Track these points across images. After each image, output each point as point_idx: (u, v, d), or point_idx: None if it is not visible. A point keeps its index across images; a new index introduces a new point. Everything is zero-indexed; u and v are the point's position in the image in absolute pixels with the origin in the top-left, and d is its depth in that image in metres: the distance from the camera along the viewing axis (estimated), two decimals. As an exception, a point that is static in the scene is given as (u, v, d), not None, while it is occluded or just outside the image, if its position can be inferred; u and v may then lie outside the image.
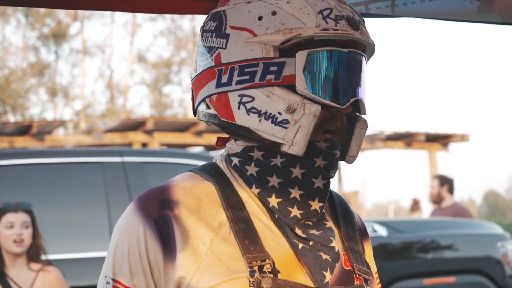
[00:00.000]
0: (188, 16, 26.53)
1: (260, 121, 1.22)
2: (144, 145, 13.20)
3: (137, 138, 13.20)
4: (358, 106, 1.29)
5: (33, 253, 3.81)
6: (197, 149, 13.90)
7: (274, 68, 1.21)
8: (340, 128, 1.28)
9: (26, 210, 3.84)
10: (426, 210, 9.52)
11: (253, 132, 1.24)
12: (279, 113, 1.21)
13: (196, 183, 1.28)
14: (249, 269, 1.19)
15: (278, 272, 1.22)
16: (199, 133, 13.43)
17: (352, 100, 1.25)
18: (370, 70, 1.33)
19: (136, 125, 13.27)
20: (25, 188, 4.60)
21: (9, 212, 3.79)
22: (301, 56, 1.21)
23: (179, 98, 30.00)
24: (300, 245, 1.25)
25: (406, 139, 15.40)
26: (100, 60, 33.82)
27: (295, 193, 1.26)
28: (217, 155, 1.38)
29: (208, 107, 1.28)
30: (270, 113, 1.22)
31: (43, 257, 3.85)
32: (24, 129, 12.45)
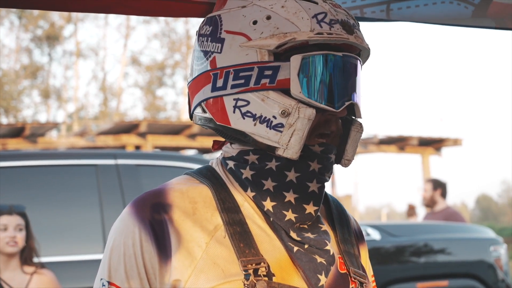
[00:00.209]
0: (182, 19, 26.55)
1: (255, 125, 1.23)
2: (138, 147, 13.18)
3: (130, 140, 13.18)
4: (353, 110, 1.30)
5: (27, 256, 3.79)
6: (191, 152, 13.90)
7: (269, 72, 1.22)
8: (335, 132, 1.28)
9: (19, 213, 3.82)
10: (421, 214, 9.53)
11: (248, 136, 1.24)
12: (274, 117, 1.22)
13: (191, 186, 1.28)
14: (244, 272, 1.19)
15: (273, 275, 1.22)
16: (192, 136, 13.43)
17: (347, 103, 1.25)
18: (364, 74, 1.33)
19: (130, 128, 13.25)
20: (18, 191, 4.58)
21: (2, 215, 3.78)
22: (295, 60, 1.21)
23: (173, 101, 30.03)
24: (295, 249, 1.25)
25: (399, 143, 15.44)
26: (94, 62, 33.82)
27: (290, 196, 1.26)
28: (213, 159, 1.38)
29: (204, 111, 1.29)
30: (265, 117, 1.22)
31: (36, 259, 3.84)
32: (17, 131, 12.41)
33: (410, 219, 10.01)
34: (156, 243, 1.21)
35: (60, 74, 33.31)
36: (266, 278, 1.20)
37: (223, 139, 1.35)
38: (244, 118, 1.23)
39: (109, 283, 1.24)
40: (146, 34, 41.37)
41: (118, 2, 1.53)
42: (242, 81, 1.23)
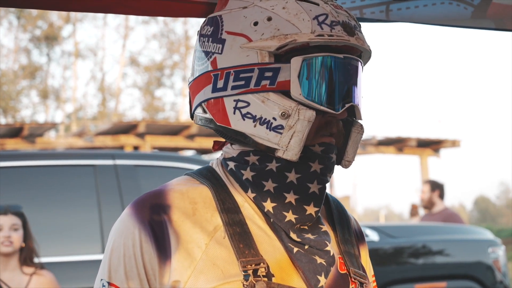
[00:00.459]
0: (181, 20, 26.55)
1: (255, 126, 1.23)
2: (136, 148, 13.18)
3: (128, 141, 13.18)
4: (353, 111, 1.30)
5: (26, 256, 3.79)
6: (189, 153, 13.89)
7: (269, 74, 1.22)
8: (336, 134, 1.28)
9: (15, 213, 3.81)
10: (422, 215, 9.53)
11: (248, 137, 1.24)
12: (274, 118, 1.22)
13: (191, 187, 1.28)
14: (243, 273, 1.19)
15: (273, 275, 1.22)
16: (191, 137, 13.43)
17: (347, 105, 1.25)
18: (364, 75, 1.33)
19: (128, 128, 13.24)
20: (16, 191, 4.57)
21: None
22: (296, 62, 1.21)
23: (171, 102, 30.01)
24: (295, 249, 1.25)
25: (398, 144, 15.44)
26: (92, 62, 33.77)
27: (291, 197, 1.26)
28: (212, 159, 1.38)
29: (205, 112, 1.29)
30: (265, 119, 1.22)
31: (36, 260, 3.83)
32: (15, 131, 12.40)
33: (413, 218, 10.00)
34: (156, 244, 1.22)
35: (58, 74, 33.32)
36: (265, 279, 1.20)
37: (223, 140, 1.35)
38: (244, 119, 1.23)
39: (109, 283, 1.25)
40: (145, 34, 41.38)
41: (118, 2, 1.53)
42: (243, 82, 1.23)
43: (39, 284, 3.73)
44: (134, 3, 1.56)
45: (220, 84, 1.25)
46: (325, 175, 1.28)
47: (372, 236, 5.70)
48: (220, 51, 1.25)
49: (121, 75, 28.18)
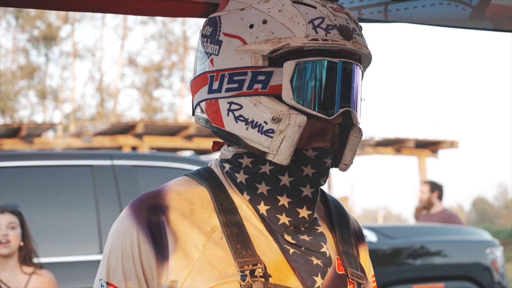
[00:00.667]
0: (179, 20, 26.54)
1: (247, 129, 1.23)
2: (134, 148, 13.17)
3: (127, 141, 13.17)
4: (350, 115, 1.28)
5: (25, 256, 3.78)
6: (187, 153, 13.89)
7: (261, 78, 1.22)
8: (331, 140, 1.27)
9: (12, 212, 3.81)
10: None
11: (241, 140, 1.25)
12: (265, 122, 1.22)
13: (190, 188, 1.29)
14: (240, 273, 1.20)
15: (270, 276, 1.22)
16: (189, 137, 13.43)
17: (341, 111, 1.24)
18: (361, 79, 1.31)
19: (126, 129, 13.24)
20: (14, 191, 4.57)
21: None
22: (288, 67, 1.21)
23: (170, 102, 30.04)
24: (291, 251, 1.25)
25: (396, 145, 15.45)
26: (91, 63, 33.82)
27: (284, 200, 1.26)
28: (212, 160, 1.38)
29: (202, 112, 1.30)
30: (257, 122, 1.22)
31: (35, 260, 3.83)
32: (13, 132, 12.40)
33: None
34: (154, 245, 1.22)
35: (57, 74, 33.32)
36: (262, 279, 1.20)
37: (222, 141, 1.35)
38: (237, 122, 1.24)
39: (108, 283, 1.25)
40: (143, 35, 41.41)
41: (116, 1, 1.53)
42: (236, 85, 1.23)
43: (39, 284, 3.73)
44: (132, 3, 1.55)
45: (215, 85, 1.26)
46: (318, 179, 1.27)
47: (370, 237, 5.70)
48: (217, 53, 1.26)
49: (119, 75, 28.17)
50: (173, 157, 5.56)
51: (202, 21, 1.38)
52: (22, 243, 3.79)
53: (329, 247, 1.31)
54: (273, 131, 1.21)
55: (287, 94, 1.21)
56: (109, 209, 4.56)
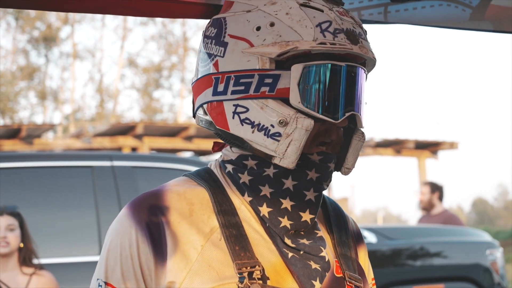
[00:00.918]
0: (179, 21, 26.54)
1: (253, 132, 1.23)
2: (134, 149, 13.17)
3: (126, 142, 13.17)
4: (354, 119, 1.28)
5: (25, 257, 3.78)
6: (187, 154, 13.89)
7: (269, 80, 1.21)
8: (335, 141, 1.27)
9: (11, 213, 3.81)
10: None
11: (246, 143, 1.24)
12: (272, 125, 1.21)
13: (189, 188, 1.28)
14: (238, 275, 1.19)
15: (268, 278, 1.22)
16: (189, 138, 13.42)
17: (347, 114, 1.24)
18: (365, 82, 1.31)
19: (126, 130, 13.24)
20: (13, 192, 4.57)
21: None
22: (296, 70, 1.21)
23: (169, 103, 30.02)
24: (290, 254, 1.25)
25: (396, 146, 15.44)
26: (90, 64, 33.78)
27: (287, 203, 1.26)
28: (210, 161, 1.38)
29: (205, 113, 1.29)
30: (263, 125, 1.22)
31: (35, 261, 3.83)
32: (13, 133, 12.39)
33: None
34: (153, 245, 1.22)
35: (56, 75, 33.34)
36: (260, 282, 1.20)
37: (222, 141, 1.35)
38: (242, 125, 1.23)
39: (106, 283, 1.25)
40: (143, 36, 41.42)
41: (116, 2, 1.53)
42: (242, 87, 1.22)
43: (39, 285, 3.73)
44: (131, 3, 1.55)
45: (221, 87, 1.25)
46: (321, 184, 1.27)
47: (370, 238, 5.71)
48: (222, 54, 1.25)
49: (119, 76, 28.17)
50: (173, 158, 5.57)
51: (202, 22, 1.38)
52: (22, 244, 3.79)
53: (328, 250, 1.30)
54: (279, 135, 1.21)
55: (294, 97, 1.21)
56: (109, 210, 4.56)
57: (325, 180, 1.28)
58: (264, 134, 1.22)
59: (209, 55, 1.27)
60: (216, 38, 1.26)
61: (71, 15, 25.31)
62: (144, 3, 1.56)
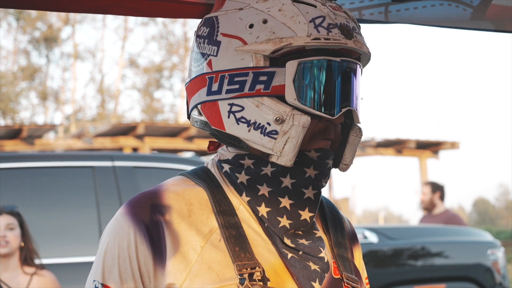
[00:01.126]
0: (180, 21, 26.53)
1: (249, 131, 1.21)
2: (135, 149, 13.17)
3: (127, 142, 13.17)
4: (351, 115, 1.28)
5: (26, 256, 3.78)
6: (188, 154, 13.89)
7: (263, 78, 1.20)
8: (334, 139, 1.26)
9: (11, 213, 3.81)
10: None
11: (243, 142, 1.23)
12: (268, 123, 1.20)
13: (187, 188, 1.27)
14: (239, 277, 1.18)
15: (268, 280, 1.21)
16: (190, 138, 13.42)
17: (343, 110, 1.23)
18: (363, 77, 1.31)
19: (127, 130, 13.24)
20: (14, 192, 4.58)
21: None
22: (291, 66, 1.20)
23: (170, 103, 30.01)
24: (289, 255, 1.24)
25: (397, 146, 15.44)
26: (91, 64, 33.78)
27: (285, 202, 1.25)
28: (209, 159, 1.36)
29: (200, 114, 1.28)
30: (259, 123, 1.20)
31: (36, 261, 3.82)
32: (14, 133, 12.40)
33: None
34: (152, 246, 1.20)
35: (57, 76, 33.35)
36: (261, 283, 1.19)
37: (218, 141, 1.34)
38: (238, 124, 1.22)
39: (103, 285, 1.23)
40: (144, 36, 41.42)
41: (116, 2, 1.53)
42: (237, 86, 1.21)
43: (40, 284, 3.72)
44: (132, 3, 1.55)
45: (215, 87, 1.23)
46: (320, 181, 1.26)
47: (371, 237, 5.70)
48: (215, 53, 1.23)
49: (120, 76, 28.18)
50: (174, 158, 5.57)
51: (202, 22, 1.38)
52: (22, 244, 3.79)
53: (326, 251, 1.29)
54: (276, 132, 1.20)
55: (290, 94, 1.20)
56: (110, 210, 4.56)
57: (324, 177, 1.26)
58: (261, 133, 1.20)
59: (202, 54, 1.26)
60: (208, 37, 1.25)
61: (72, 15, 25.32)
62: (145, 3, 1.56)
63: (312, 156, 1.24)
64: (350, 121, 1.30)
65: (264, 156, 1.23)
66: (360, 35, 1.25)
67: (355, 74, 1.25)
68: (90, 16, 25.67)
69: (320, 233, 1.29)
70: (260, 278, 1.19)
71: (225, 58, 1.22)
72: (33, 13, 24.58)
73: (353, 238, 1.42)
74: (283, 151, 1.20)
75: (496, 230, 21.94)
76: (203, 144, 13.41)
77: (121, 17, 26.09)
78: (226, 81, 1.22)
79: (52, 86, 28.06)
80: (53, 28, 26.39)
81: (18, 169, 4.66)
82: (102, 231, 4.51)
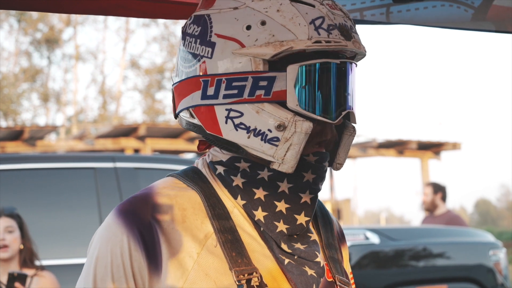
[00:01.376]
0: (181, 22, 26.49)
1: (248, 137, 1.17)
2: (136, 151, 13.17)
3: (129, 144, 13.18)
4: (347, 115, 1.25)
5: (26, 258, 3.78)
6: (189, 156, 13.88)
7: (264, 83, 1.15)
8: (330, 139, 1.24)
9: (10, 215, 3.80)
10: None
11: (241, 148, 1.18)
12: (269, 130, 1.16)
13: (180, 191, 1.22)
14: (237, 283, 1.15)
15: (266, 286, 1.17)
16: (191, 140, 13.42)
17: (343, 113, 1.21)
18: (362, 77, 1.29)
19: (129, 131, 13.24)
20: (16, 194, 4.58)
21: None
22: (292, 71, 1.16)
23: (172, 105, 29.94)
24: (286, 261, 1.21)
25: (398, 147, 15.43)
26: (93, 65, 33.76)
27: (281, 206, 1.21)
28: (198, 159, 1.31)
29: (192, 116, 1.22)
30: (260, 130, 1.16)
31: (36, 262, 3.82)
32: (15, 134, 12.40)
33: None
34: (146, 252, 1.15)
35: (59, 77, 33.34)
36: None
37: None
38: (237, 130, 1.17)
39: None
40: (145, 37, 41.40)
41: (117, 3, 1.53)
42: (235, 91, 1.16)
43: (41, 285, 3.72)
44: (134, 5, 1.55)
45: (211, 91, 1.18)
46: (317, 185, 1.23)
47: (372, 238, 5.70)
48: (209, 55, 1.18)
49: (121, 78, 28.18)
50: (176, 159, 5.57)
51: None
52: (22, 246, 3.78)
53: (321, 257, 1.27)
54: (278, 139, 1.16)
55: (292, 100, 1.16)
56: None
57: (321, 180, 1.24)
58: (261, 139, 1.16)
59: (194, 55, 1.20)
60: (201, 37, 1.19)
61: (74, 16, 25.33)
62: (146, 5, 1.56)
63: (310, 160, 1.21)
64: (345, 121, 1.27)
65: (262, 161, 1.20)
66: (357, 34, 1.22)
67: (352, 74, 1.22)
68: (91, 17, 25.68)
69: (314, 236, 1.27)
70: (257, 284, 1.16)
71: (221, 61, 1.17)
72: (35, 14, 24.59)
73: (341, 237, 1.39)
74: (285, 158, 1.16)
75: (497, 231, 21.91)
76: (205, 145, 13.39)
77: (123, 19, 26.10)
78: (223, 85, 1.17)
79: (53, 88, 28.06)
80: (54, 30, 26.39)
81: (20, 171, 4.66)
82: (103, 232, 4.51)
